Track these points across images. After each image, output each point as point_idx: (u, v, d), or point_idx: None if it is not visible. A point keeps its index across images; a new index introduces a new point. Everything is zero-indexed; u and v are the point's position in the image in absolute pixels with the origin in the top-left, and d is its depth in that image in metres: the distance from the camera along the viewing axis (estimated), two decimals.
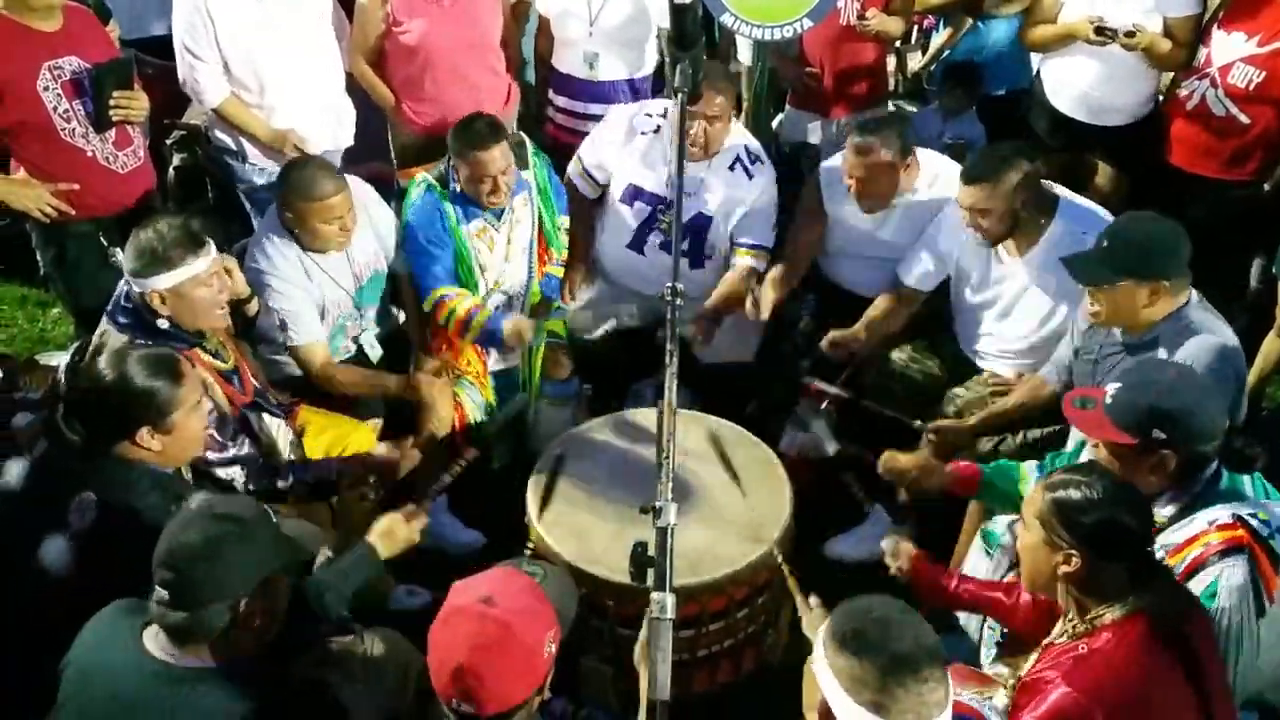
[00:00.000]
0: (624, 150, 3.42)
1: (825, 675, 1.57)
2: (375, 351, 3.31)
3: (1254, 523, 2.02)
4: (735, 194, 3.35)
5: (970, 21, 4.56)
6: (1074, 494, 1.85)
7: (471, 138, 3.07)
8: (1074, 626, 1.89)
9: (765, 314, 3.28)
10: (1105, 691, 1.76)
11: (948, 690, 1.55)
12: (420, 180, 3.25)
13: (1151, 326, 2.51)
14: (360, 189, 3.14)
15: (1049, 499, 1.88)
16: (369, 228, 3.16)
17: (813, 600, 2.27)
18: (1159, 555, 2.06)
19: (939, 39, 4.81)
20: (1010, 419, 2.95)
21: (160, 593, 1.78)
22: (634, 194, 3.42)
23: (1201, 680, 1.80)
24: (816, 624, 2.12)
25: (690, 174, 3.28)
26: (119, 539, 2.07)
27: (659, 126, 3.38)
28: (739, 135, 3.42)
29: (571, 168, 3.57)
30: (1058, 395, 2.77)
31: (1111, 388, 2.11)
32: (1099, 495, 1.84)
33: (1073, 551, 1.84)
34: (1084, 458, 2.34)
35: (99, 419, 2.19)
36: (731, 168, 3.35)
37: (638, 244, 3.45)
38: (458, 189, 3.17)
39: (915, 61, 5.49)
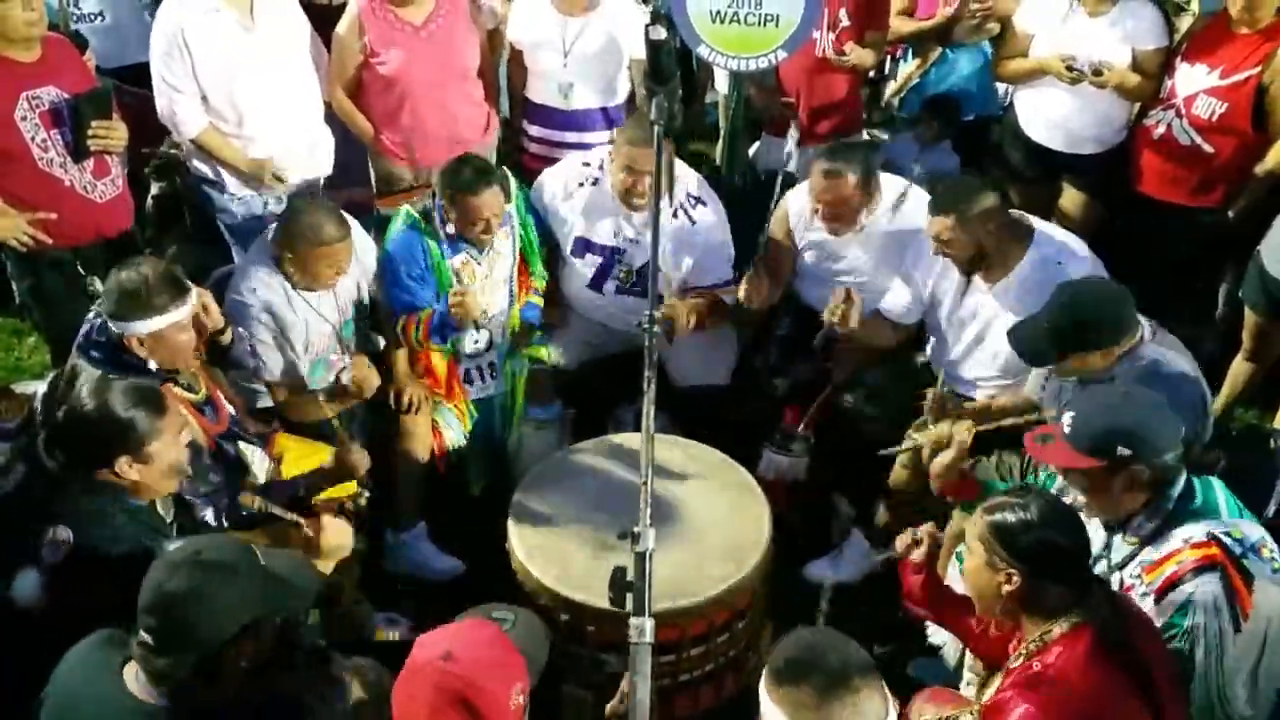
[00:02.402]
0: (565, 208, 3.42)
1: (769, 707, 1.64)
2: None
3: (1228, 541, 2.06)
4: (681, 240, 3.35)
5: (939, 50, 4.64)
6: (1010, 516, 1.95)
7: (464, 184, 3.07)
8: (1027, 647, 1.95)
9: (741, 295, 3.30)
10: (1060, 704, 1.83)
11: (884, 698, 1.64)
12: (404, 214, 3.25)
13: (1109, 369, 2.57)
14: None
15: (987, 521, 1.97)
16: (354, 260, 3.16)
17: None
18: (1135, 571, 2.12)
19: (908, 68, 4.88)
20: (995, 425, 2.94)
21: (144, 637, 1.76)
22: (584, 246, 3.43)
23: (1150, 686, 1.87)
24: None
25: (635, 222, 3.33)
26: (93, 569, 2.05)
27: (596, 179, 3.37)
28: (679, 178, 3.38)
29: None
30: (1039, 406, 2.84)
31: (1067, 418, 2.16)
32: (1033, 517, 1.93)
33: (1012, 570, 1.93)
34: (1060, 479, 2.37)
35: (79, 446, 2.18)
36: (675, 214, 3.34)
37: (596, 285, 3.47)
38: (450, 229, 3.16)
39: (887, 90, 5.56)
